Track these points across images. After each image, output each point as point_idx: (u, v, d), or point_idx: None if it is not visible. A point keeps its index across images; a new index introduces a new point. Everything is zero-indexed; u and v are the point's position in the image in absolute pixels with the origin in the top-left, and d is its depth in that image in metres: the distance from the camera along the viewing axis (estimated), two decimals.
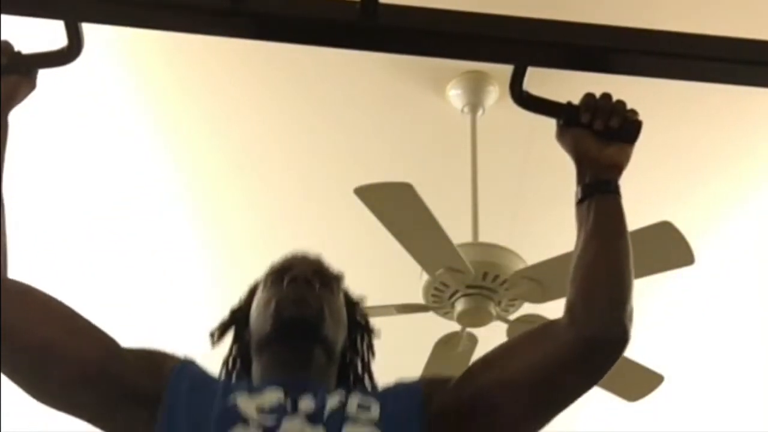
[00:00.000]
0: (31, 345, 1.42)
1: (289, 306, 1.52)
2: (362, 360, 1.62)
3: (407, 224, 3.07)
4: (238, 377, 1.58)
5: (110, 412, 1.45)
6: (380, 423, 1.43)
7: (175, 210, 3.91)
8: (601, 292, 1.44)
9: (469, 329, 3.38)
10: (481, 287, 3.23)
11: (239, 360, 1.60)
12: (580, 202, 1.49)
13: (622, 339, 1.44)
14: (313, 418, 1.42)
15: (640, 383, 3.54)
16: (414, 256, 3.14)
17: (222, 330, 1.64)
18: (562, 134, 1.51)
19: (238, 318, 1.63)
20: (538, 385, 1.45)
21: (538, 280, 3.16)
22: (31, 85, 1.48)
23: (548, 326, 1.50)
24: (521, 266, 3.20)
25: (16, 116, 1.49)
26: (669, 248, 3.08)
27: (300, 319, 1.52)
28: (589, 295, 1.44)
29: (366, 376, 1.62)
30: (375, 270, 3.88)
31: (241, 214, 3.91)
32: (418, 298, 3.31)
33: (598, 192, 1.48)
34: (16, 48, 1.46)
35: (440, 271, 3.17)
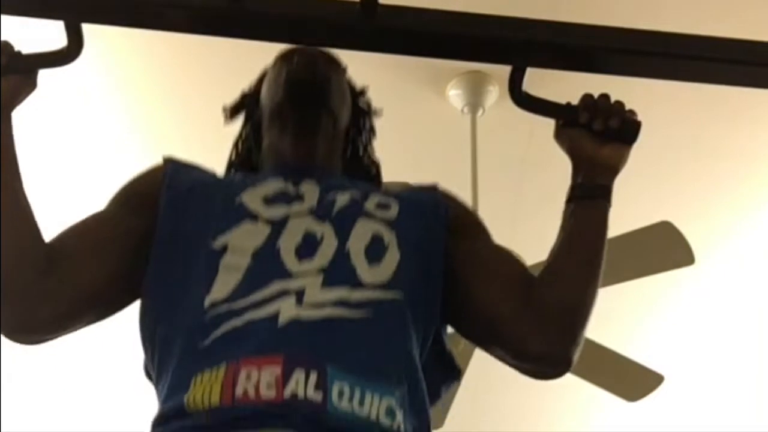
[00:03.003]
0: (94, 281, 1.44)
1: (299, 71, 1.56)
2: (364, 139, 1.67)
3: None
4: (241, 173, 1.61)
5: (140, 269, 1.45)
6: (396, 223, 1.44)
7: None
8: (557, 315, 1.43)
9: None
10: None
11: (251, 138, 1.64)
12: (567, 201, 1.50)
13: (562, 366, 1.45)
14: (320, 213, 1.43)
15: (640, 383, 3.53)
16: None
17: (233, 111, 1.69)
18: (560, 134, 1.51)
19: (248, 100, 1.68)
20: (485, 333, 1.48)
21: None
22: (32, 86, 1.48)
23: (523, 290, 1.48)
24: None
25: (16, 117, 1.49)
26: (669, 248, 3.08)
27: (310, 81, 1.55)
28: (545, 312, 1.43)
29: (366, 155, 1.66)
30: None
31: None
32: None
33: (587, 197, 1.48)
34: (16, 48, 1.46)
35: None
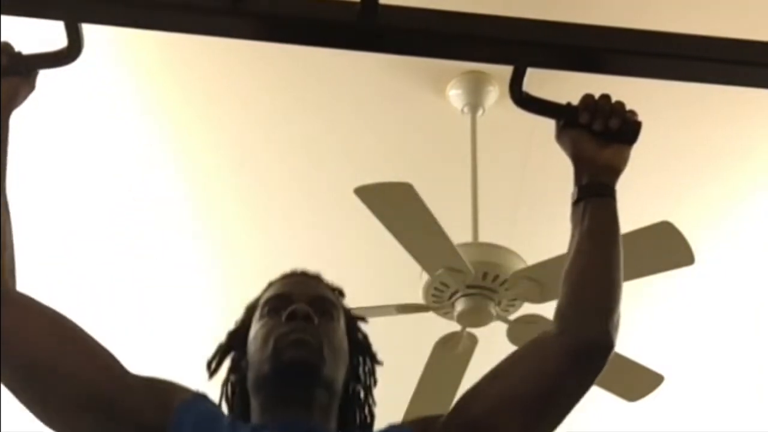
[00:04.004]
0: (37, 360, 1.38)
1: (288, 348, 1.47)
2: (365, 386, 1.59)
3: (407, 224, 3.07)
4: (242, 419, 1.53)
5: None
6: None
7: (173, 212, 3.91)
8: (590, 300, 1.45)
9: (469, 329, 3.38)
10: (481, 287, 3.23)
11: (237, 390, 1.55)
12: (575, 204, 1.50)
13: (607, 347, 1.45)
14: None
15: (640, 383, 3.53)
16: (414, 256, 3.14)
17: (221, 354, 1.59)
18: (561, 135, 1.51)
19: (235, 343, 1.58)
20: (529, 402, 1.45)
21: (538, 280, 3.16)
22: (31, 86, 1.48)
23: (535, 341, 1.50)
24: (521, 266, 3.20)
25: (15, 117, 1.49)
26: (669, 248, 3.08)
27: (300, 363, 1.47)
28: (578, 302, 1.45)
29: (367, 408, 1.59)
30: (375, 270, 3.89)
31: (241, 214, 3.91)
32: (418, 298, 3.31)
33: (594, 195, 1.48)
34: (17, 48, 1.46)
35: (440, 271, 3.17)
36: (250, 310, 1.59)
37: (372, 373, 1.60)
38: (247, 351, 1.53)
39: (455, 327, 3.38)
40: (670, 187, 3.72)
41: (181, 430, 1.40)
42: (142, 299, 4.23)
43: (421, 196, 2.99)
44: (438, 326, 3.44)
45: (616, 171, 1.49)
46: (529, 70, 1.47)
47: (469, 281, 3.21)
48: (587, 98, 1.48)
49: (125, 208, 3.88)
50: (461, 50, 1.49)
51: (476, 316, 3.28)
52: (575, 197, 1.50)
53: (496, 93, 3.38)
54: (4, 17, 1.38)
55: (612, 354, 1.45)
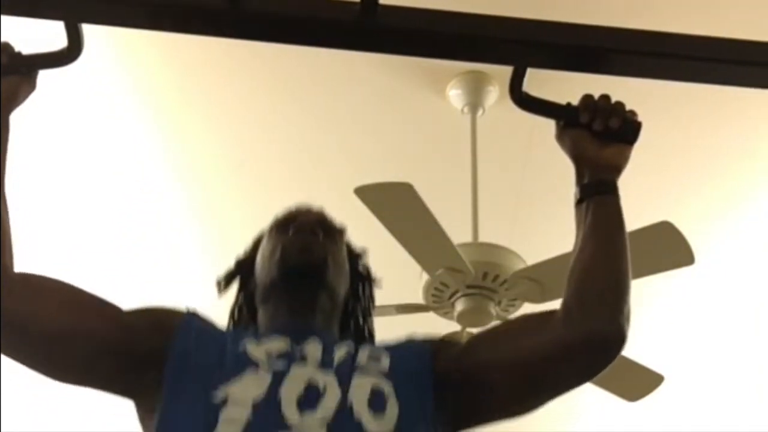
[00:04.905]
0: (47, 333, 1.42)
1: (294, 253, 1.55)
2: (363, 308, 1.65)
3: (407, 224, 3.07)
4: (244, 327, 1.59)
5: (122, 377, 1.46)
6: (390, 374, 1.44)
7: (173, 210, 3.91)
8: (598, 293, 1.44)
9: (469, 329, 3.38)
10: (481, 287, 3.23)
11: (245, 308, 1.62)
12: (578, 203, 1.49)
13: (618, 339, 1.44)
14: (324, 364, 1.43)
15: (640, 383, 3.54)
16: (414, 256, 3.14)
17: (228, 280, 1.66)
18: (561, 135, 1.51)
19: (243, 268, 1.66)
20: (534, 374, 1.46)
21: (538, 280, 3.16)
22: (31, 86, 1.48)
23: (547, 317, 1.49)
24: (521, 266, 3.20)
25: (15, 116, 1.49)
26: (669, 248, 3.08)
27: (305, 266, 1.54)
28: (585, 296, 1.44)
29: (366, 326, 1.64)
30: (375, 270, 3.88)
31: (240, 214, 3.91)
32: (418, 298, 3.31)
33: (597, 193, 1.48)
34: (17, 48, 1.46)
35: (440, 271, 3.17)
36: (257, 240, 1.67)
37: (371, 296, 1.67)
38: (254, 274, 1.61)
39: (455, 327, 3.38)
40: (670, 187, 3.72)
41: (183, 347, 1.44)
42: (142, 299, 4.22)
43: (421, 196, 2.99)
44: (438, 326, 3.44)
45: (617, 169, 1.49)
46: (529, 70, 1.47)
47: (469, 281, 3.21)
48: (587, 98, 1.48)
49: (125, 207, 3.88)
50: (461, 50, 1.49)
51: (476, 316, 3.28)
52: (578, 197, 1.50)
53: (496, 93, 3.39)
54: (4, 17, 1.38)
55: (623, 347, 1.45)
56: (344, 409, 1.37)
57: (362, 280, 1.67)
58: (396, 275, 3.40)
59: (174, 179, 3.78)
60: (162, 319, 1.50)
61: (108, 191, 3.81)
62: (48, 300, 1.45)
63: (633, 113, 1.48)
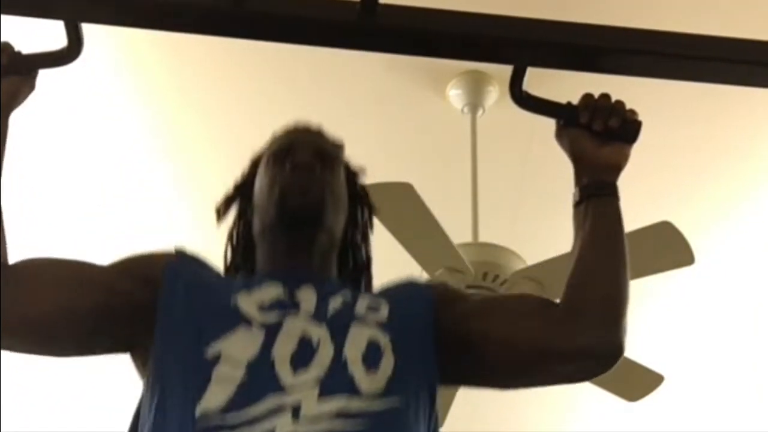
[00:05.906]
0: (47, 316, 1.42)
1: (292, 195, 1.53)
2: (362, 233, 1.65)
3: (407, 224, 3.07)
4: (242, 258, 1.60)
5: (121, 339, 1.46)
6: (388, 324, 1.43)
7: (172, 211, 3.91)
8: (596, 307, 1.43)
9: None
10: (481, 287, 3.22)
11: (243, 241, 1.62)
12: (577, 205, 1.49)
13: (615, 354, 1.44)
14: (316, 316, 1.42)
15: (640, 383, 3.53)
16: (414, 256, 3.14)
17: (227, 204, 1.67)
18: (561, 134, 1.51)
19: (242, 192, 1.65)
20: (526, 364, 1.46)
21: (538, 280, 3.16)
22: (31, 86, 1.48)
23: (547, 311, 1.48)
24: (521, 266, 3.20)
25: (15, 116, 1.49)
26: (669, 248, 3.08)
27: (303, 208, 1.52)
28: (583, 308, 1.43)
29: (363, 251, 1.64)
30: (375, 270, 3.88)
31: None
32: None
33: (595, 195, 1.47)
34: (17, 48, 1.46)
35: (440, 271, 3.17)
36: (255, 161, 1.66)
37: (369, 220, 1.67)
38: (252, 200, 1.61)
39: None
40: (671, 187, 3.72)
41: (173, 296, 1.43)
42: None
43: (421, 196, 2.99)
44: None
45: (616, 169, 1.49)
46: (529, 70, 1.47)
47: (469, 281, 3.20)
48: (587, 98, 1.48)
49: (125, 207, 3.88)
50: (461, 50, 1.49)
51: None
52: (576, 198, 1.49)
53: (496, 93, 3.38)
54: (4, 17, 1.38)
55: (620, 359, 1.44)
56: (338, 364, 1.36)
57: (360, 203, 1.66)
58: (396, 275, 3.41)
59: (174, 179, 3.78)
60: (147, 274, 1.47)
61: (108, 191, 3.81)
62: (44, 285, 1.44)
63: (633, 112, 1.48)
